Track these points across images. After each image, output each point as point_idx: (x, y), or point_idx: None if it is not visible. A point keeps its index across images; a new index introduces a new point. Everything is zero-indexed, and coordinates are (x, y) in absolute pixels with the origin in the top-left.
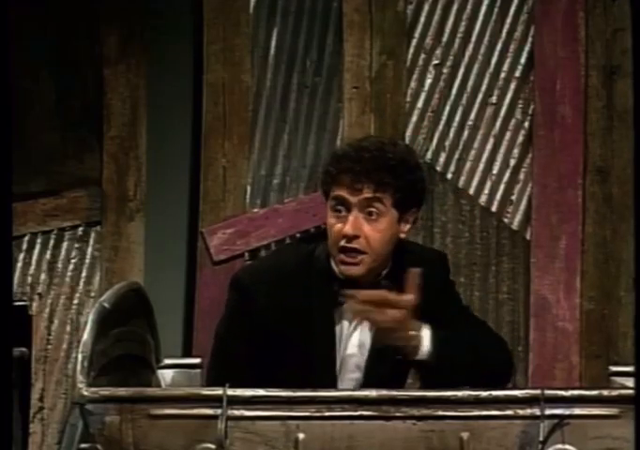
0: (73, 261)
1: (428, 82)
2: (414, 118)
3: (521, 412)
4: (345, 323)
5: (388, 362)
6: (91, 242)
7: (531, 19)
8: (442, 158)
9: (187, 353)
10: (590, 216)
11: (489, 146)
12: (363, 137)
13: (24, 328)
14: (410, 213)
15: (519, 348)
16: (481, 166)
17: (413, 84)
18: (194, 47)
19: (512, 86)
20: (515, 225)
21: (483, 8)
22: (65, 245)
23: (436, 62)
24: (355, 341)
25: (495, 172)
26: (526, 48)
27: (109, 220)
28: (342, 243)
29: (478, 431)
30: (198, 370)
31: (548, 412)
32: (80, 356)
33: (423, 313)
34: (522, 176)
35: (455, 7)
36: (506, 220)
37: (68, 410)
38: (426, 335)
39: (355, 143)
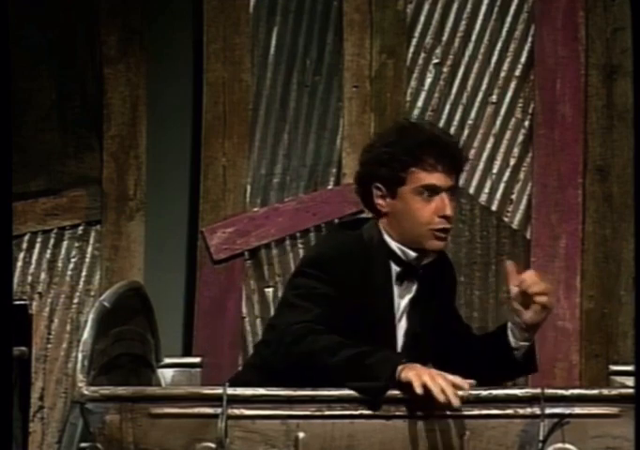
0: (73, 260)
1: (428, 81)
2: (414, 117)
3: (521, 411)
4: (398, 304)
5: (423, 348)
6: (91, 241)
7: (531, 18)
8: None
9: (187, 353)
10: (590, 215)
11: (489, 145)
12: (416, 122)
13: (24, 327)
14: None
15: None
16: (481, 165)
17: (413, 83)
18: (194, 46)
19: (512, 85)
20: (515, 224)
21: (483, 8)
22: (65, 244)
23: (436, 61)
24: (402, 322)
25: (495, 171)
26: (526, 47)
27: (109, 219)
28: (443, 224)
29: (478, 430)
30: (198, 369)
31: (548, 411)
32: (80, 355)
33: (447, 304)
34: (522, 175)
35: (455, 6)
36: (506, 219)
37: (69, 409)
38: None
39: (418, 132)
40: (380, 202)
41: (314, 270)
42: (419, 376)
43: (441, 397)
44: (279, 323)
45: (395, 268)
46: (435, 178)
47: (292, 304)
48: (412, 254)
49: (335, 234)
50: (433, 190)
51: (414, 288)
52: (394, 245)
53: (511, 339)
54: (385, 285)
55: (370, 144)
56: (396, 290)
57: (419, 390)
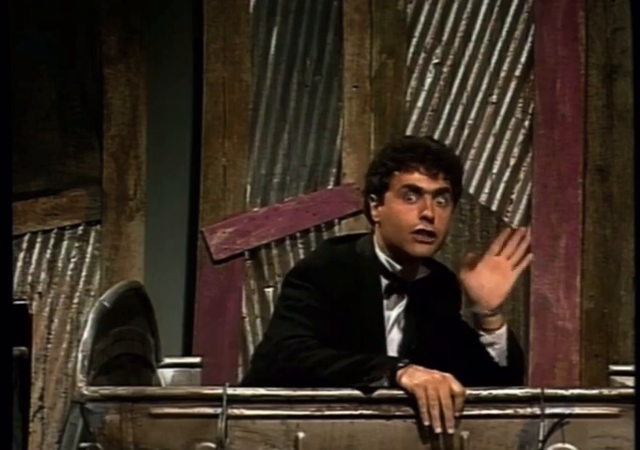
0: (73, 260)
1: (428, 81)
2: (414, 117)
3: (521, 410)
4: (387, 317)
5: (419, 362)
6: (91, 241)
7: (531, 18)
8: None
9: (187, 353)
10: (590, 215)
11: (489, 145)
12: (404, 136)
13: (24, 327)
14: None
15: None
16: (482, 165)
17: (413, 83)
18: (194, 46)
19: (512, 85)
20: (515, 224)
21: (483, 7)
22: (65, 244)
23: (436, 61)
24: (392, 336)
25: (495, 171)
26: (527, 47)
27: (109, 219)
28: (422, 226)
29: (478, 430)
30: (198, 369)
31: (548, 411)
32: (80, 355)
33: (449, 319)
34: (522, 175)
35: (455, 6)
36: (506, 219)
37: (69, 409)
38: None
39: (406, 139)
40: (374, 212)
41: (301, 281)
42: (423, 390)
43: (437, 429)
44: (272, 337)
45: (384, 281)
46: (416, 179)
47: (282, 316)
48: (397, 267)
49: (325, 247)
50: (415, 192)
51: (403, 302)
52: (383, 257)
53: (482, 339)
54: (374, 297)
55: None
56: (385, 302)
57: (424, 417)
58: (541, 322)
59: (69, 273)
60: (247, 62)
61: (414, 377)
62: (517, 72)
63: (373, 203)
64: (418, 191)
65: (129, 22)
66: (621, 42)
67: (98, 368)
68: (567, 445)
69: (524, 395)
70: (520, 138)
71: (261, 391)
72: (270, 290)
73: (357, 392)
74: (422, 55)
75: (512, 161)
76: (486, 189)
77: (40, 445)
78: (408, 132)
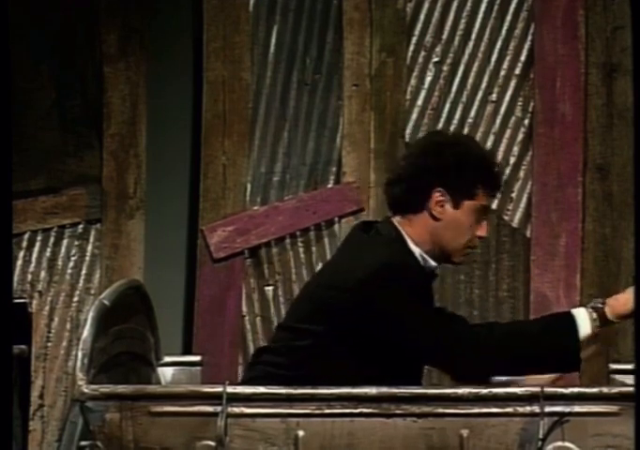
0: (73, 258)
1: (428, 79)
2: (414, 116)
3: (521, 409)
4: None
5: None
6: (91, 239)
7: (531, 16)
8: None
9: (187, 351)
10: (590, 213)
11: (489, 144)
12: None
13: (24, 326)
14: None
15: None
16: None
17: (413, 82)
18: (194, 45)
19: (512, 84)
20: (515, 223)
21: (483, 6)
22: (65, 242)
23: (436, 59)
24: None
25: None
26: (526, 45)
27: (109, 218)
28: (476, 243)
29: (478, 429)
30: (198, 368)
31: (548, 409)
32: (80, 354)
33: None
34: (522, 174)
35: (455, 4)
36: (506, 218)
37: (69, 407)
38: None
39: (493, 157)
40: (438, 208)
41: (400, 275)
42: None
43: None
44: (426, 334)
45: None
46: (490, 200)
47: (410, 317)
48: (432, 264)
49: (373, 241)
50: (486, 212)
51: None
52: (417, 252)
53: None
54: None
55: (433, 148)
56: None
57: None
58: None
59: (69, 271)
60: (247, 61)
61: (620, 301)
62: (517, 71)
63: (441, 198)
64: (488, 212)
65: (128, 21)
66: (621, 41)
67: (98, 367)
68: (567, 444)
69: (523, 393)
70: (520, 136)
71: (261, 389)
72: (270, 288)
73: (356, 390)
74: (422, 54)
75: (512, 160)
76: None
77: (40, 444)
78: (408, 131)
